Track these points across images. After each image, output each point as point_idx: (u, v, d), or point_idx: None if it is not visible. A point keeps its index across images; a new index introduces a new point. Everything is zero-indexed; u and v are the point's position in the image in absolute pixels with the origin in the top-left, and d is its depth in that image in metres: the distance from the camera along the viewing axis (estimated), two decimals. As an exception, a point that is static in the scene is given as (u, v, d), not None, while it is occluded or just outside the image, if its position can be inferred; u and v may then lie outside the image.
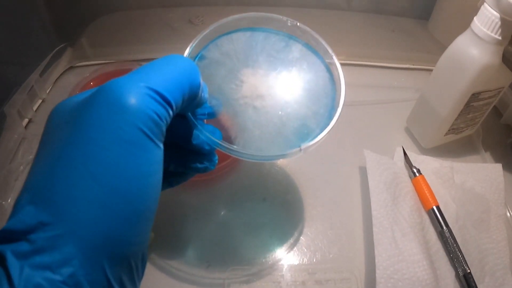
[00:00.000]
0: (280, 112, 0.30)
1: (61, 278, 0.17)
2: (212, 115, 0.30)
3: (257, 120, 0.30)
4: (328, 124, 0.29)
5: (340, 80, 0.31)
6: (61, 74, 0.58)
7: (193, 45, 0.33)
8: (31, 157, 0.46)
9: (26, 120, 0.50)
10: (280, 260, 0.37)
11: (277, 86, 0.31)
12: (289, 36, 0.35)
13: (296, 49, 0.34)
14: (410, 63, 0.60)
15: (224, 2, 0.69)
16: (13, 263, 0.17)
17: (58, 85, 0.57)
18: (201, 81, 0.25)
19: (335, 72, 0.32)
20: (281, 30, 0.35)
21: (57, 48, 0.56)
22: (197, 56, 0.33)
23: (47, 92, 0.55)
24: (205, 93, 0.27)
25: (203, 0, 0.69)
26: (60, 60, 0.58)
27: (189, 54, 0.32)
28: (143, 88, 0.21)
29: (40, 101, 0.54)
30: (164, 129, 0.22)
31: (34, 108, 0.52)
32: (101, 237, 0.19)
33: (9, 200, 0.42)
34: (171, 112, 0.22)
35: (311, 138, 0.29)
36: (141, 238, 0.21)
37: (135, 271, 0.21)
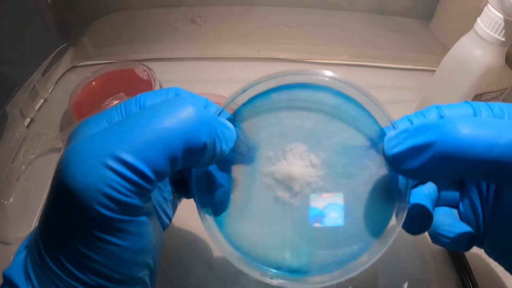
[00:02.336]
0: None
1: None
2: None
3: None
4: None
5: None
6: (63, 74, 0.58)
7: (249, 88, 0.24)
8: (32, 156, 0.46)
9: (28, 120, 0.50)
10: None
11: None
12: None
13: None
14: (413, 63, 0.60)
15: (226, 2, 0.69)
16: None
17: (60, 85, 0.57)
18: (220, 134, 0.21)
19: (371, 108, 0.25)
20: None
21: (59, 48, 0.56)
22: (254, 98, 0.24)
23: (49, 91, 0.55)
24: (226, 144, 0.22)
25: (206, 0, 0.69)
26: (62, 59, 0.58)
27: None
28: (102, 157, 0.17)
29: (42, 100, 0.54)
30: (137, 203, 0.18)
31: (36, 108, 0.52)
32: None
33: (10, 200, 0.42)
34: (148, 186, 0.18)
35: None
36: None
37: None
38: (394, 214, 0.23)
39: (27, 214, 0.41)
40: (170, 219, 0.28)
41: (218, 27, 0.65)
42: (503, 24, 0.36)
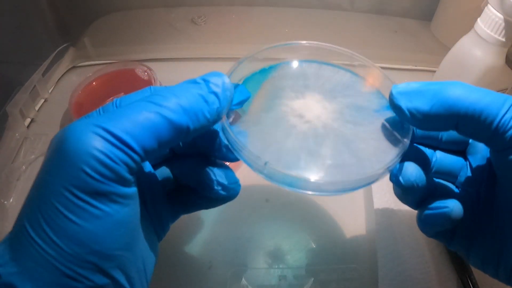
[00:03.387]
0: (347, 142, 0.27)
1: None
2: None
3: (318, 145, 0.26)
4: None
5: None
6: (63, 74, 0.58)
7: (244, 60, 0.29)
8: (33, 156, 0.46)
9: (28, 120, 0.50)
10: (282, 261, 0.37)
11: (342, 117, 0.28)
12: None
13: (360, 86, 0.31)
14: (413, 64, 0.60)
15: (227, 2, 0.69)
16: None
17: (60, 85, 0.57)
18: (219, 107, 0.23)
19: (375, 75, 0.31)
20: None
21: (60, 48, 0.56)
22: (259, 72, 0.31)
23: (50, 91, 0.55)
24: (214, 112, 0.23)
25: (206, 0, 0.69)
26: (62, 59, 0.58)
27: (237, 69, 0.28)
28: (93, 128, 0.19)
29: (42, 100, 0.54)
30: (123, 172, 0.20)
31: (37, 108, 0.52)
32: (57, 276, 0.19)
33: (11, 200, 0.42)
34: (134, 155, 0.20)
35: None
36: (108, 272, 0.20)
37: None
38: (393, 157, 0.26)
39: (28, 214, 0.41)
40: (164, 232, 0.28)
41: (218, 27, 0.65)
42: (503, 24, 0.36)
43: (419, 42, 0.65)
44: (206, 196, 0.28)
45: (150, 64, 0.52)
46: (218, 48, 0.61)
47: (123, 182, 0.20)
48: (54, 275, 0.19)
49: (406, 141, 0.26)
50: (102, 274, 0.20)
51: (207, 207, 0.29)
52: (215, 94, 0.22)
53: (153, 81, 0.50)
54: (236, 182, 0.27)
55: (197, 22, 0.66)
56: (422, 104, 0.23)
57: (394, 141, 0.27)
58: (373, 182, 0.25)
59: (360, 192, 0.43)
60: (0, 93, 0.47)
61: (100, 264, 0.20)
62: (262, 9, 0.69)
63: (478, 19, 0.38)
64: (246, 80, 0.30)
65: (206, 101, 0.22)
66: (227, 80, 0.23)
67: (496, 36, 0.37)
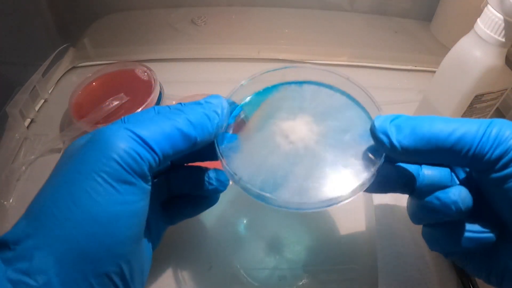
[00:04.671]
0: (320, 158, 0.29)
1: (36, 284, 0.20)
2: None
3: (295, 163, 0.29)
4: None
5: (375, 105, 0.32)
6: (63, 74, 0.58)
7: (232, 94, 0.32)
8: (33, 157, 0.46)
9: (28, 120, 0.51)
10: (282, 261, 0.37)
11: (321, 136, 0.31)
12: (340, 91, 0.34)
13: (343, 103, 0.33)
14: (413, 64, 0.60)
15: (226, 3, 0.69)
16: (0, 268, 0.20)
17: (60, 85, 0.57)
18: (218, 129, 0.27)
19: (364, 100, 0.33)
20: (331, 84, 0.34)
21: (60, 48, 0.56)
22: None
23: (49, 92, 0.55)
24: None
25: (206, 1, 0.69)
26: (62, 60, 0.58)
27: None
28: (124, 130, 0.23)
29: (42, 101, 0.54)
30: (145, 169, 0.23)
31: (36, 108, 0.52)
32: (76, 252, 0.21)
33: (10, 200, 0.42)
34: (155, 156, 0.24)
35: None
36: (117, 258, 0.23)
37: (119, 285, 0.23)
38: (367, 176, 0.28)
39: (27, 214, 0.40)
40: (158, 240, 0.32)
41: (218, 28, 0.65)
42: (503, 24, 0.36)
43: (419, 42, 0.65)
44: (197, 197, 0.32)
45: (150, 65, 0.52)
46: (218, 49, 0.61)
47: (144, 177, 0.24)
48: (73, 251, 0.21)
49: (373, 170, 0.28)
50: (112, 260, 0.22)
51: (195, 213, 0.34)
52: (215, 112, 0.27)
53: (152, 82, 0.50)
54: (225, 176, 0.31)
55: (196, 23, 0.66)
56: (401, 139, 0.25)
57: (367, 168, 0.28)
58: (332, 205, 0.27)
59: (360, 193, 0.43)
60: (0, 93, 0.47)
61: (113, 248, 0.22)
62: (262, 9, 0.69)
63: (478, 20, 0.38)
64: (250, 100, 0.33)
65: (208, 118, 0.26)
66: (224, 102, 0.28)
67: (496, 36, 0.37)
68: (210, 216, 0.40)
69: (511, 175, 0.23)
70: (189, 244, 0.38)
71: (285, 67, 0.33)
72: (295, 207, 0.27)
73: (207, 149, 0.28)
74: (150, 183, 0.25)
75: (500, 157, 0.23)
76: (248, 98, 0.33)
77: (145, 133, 0.23)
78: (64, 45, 0.58)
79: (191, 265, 0.37)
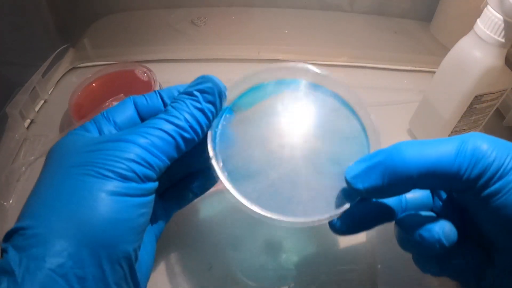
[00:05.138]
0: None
1: (51, 266, 0.20)
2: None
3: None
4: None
5: (374, 130, 0.30)
6: (63, 75, 0.58)
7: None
8: (32, 157, 0.46)
9: (28, 121, 0.50)
10: (282, 261, 0.37)
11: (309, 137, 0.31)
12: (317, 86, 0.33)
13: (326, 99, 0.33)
14: (413, 65, 0.60)
15: (226, 3, 0.69)
16: (13, 255, 0.21)
17: (60, 86, 0.57)
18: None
19: (367, 122, 0.31)
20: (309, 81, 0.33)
21: (59, 49, 0.56)
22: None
23: (49, 93, 0.55)
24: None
25: (206, 1, 0.69)
26: (62, 61, 0.58)
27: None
28: (129, 139, 0.24)
29: (42, 102, 0.54)
30: (153, 175, 0.25)
31: (36, 109, 0.52)
32: (90, 237, 0.22)
33: (10, 201, 0.42)
34: (165, 162, 0.25)
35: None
36: (129, 244, 0.23)
37: (126, 272, 0.23)
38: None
39: (27, 215, 0.40)
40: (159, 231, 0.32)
41: (218, 29, 0.65)
42: (503, 25, 0.36)
43: (419, 43, 0.65)
44: (199, 176, 0.33)
45: (149, 65, 0.52)
46: (218, 49, 0.61)
47: (150, 180, 0.25)
48: (87, 235, 0.22)
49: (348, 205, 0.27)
50: (124, 247, 0.23)
51: (196, 195, 0.34)
52: (212, 103, 0.27)
53: (152, 82, 0.50)
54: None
55: (196, 23, 0.66)
56: (375, 181, 0.24)
57: (341, 204, 0.28)
58: (305, 225, 0.28)
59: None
60: (0, 94, 0.47)
61: (126, 234, 0.23)
62: (262, 10, 0.69)
63: (478, 20, 0.38)
64: (244, 94, 0.32)
65: (204, 115, 0.27)
66: (219, 84, 0.28)
67: (495, 37, 0.37)
68: (210, 217, 0.40)
69: (494, 193, 0.22)
70: (189, 244, 0.38)
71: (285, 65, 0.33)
72: (264, 217, 0.27)
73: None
74: (156, 182, 0.26)
75: (478, 177, 0.22)
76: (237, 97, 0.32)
77: (150, 143, 0.25)
78: (64, 46, 0.58)
79: (191, 265, 0.37)
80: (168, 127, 0.25)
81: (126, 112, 0.28)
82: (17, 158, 0.46)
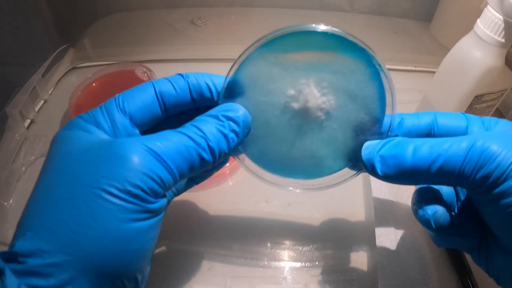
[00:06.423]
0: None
1: None
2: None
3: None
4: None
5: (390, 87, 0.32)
6: (63, 75, 0.58)
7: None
8: (32, 157, 0.46)
9: (28, 121, 0.51)
10: (282, 262, 0.37)
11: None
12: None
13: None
14: (413, 65, 0.60)
15: (226, 3, 0.69)
16: (11, 279, 0.19)
17: (60, 86, 0.57)
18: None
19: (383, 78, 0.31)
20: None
21: (59, 49, 0.56)
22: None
23: (49, 93, 0.55)
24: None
25: (205, 1, 0.69)
26: (62, 61, 0.58)
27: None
28: (144, 149, 0.23)
29: (42, 101, 0.54)
30: (165, 189, 0.23)
31: (36, 109, 0.52)
32: (95, 269, 0.21)
33: (10, 201, 0.42)
34: (175, 177, 0.24)
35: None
36: (136, 271, 0.23)
37: None
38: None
39: (27, 215, 0.40)
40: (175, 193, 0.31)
41: (218, 29, 0.65)
42: (503, 25, 0.36)
43: (419, 43, 0.65)
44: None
45: (149, 65, 0.52)
46: (218, 49, 0.61)
47: (162, 194, 0.24)
48: (93, 268, 0.21)
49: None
50: (131, 273, 0.22)
51: (195, 182, 0.32)
52: (234, 132, 0.26)
53: (153, 82, 0.50)
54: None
55: (196, 23, 0.66)
56: (385, 170, 0.25)
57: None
58: (317, 189, 0.29)
59: (360, 193, 0.43)
60: (0, 94, 0.47)
61: (133, 263, 0.22)
62: (262, 10, 0.69)
63: (478, 20, 0.38)
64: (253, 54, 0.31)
65: (227, 140, 0.25)
66: (242, 113, 0.27)
67: (495, 37, 0.37)
68: (210, 216, 0.40)
69: (503, 194, 0.23)
70: (190, 244, 0.38)
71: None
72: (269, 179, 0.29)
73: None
74: (166, 198, 0.25)
75: (484, 178, 0.23)
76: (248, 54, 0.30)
77: (164, 152, 0.23)
78: (64, 46, 0.58)
79: (191, 265, 0.37)
80: (189, 143, 0.24)
81: (145, 101, 0.26)
82: (17, 158, 0.46)
